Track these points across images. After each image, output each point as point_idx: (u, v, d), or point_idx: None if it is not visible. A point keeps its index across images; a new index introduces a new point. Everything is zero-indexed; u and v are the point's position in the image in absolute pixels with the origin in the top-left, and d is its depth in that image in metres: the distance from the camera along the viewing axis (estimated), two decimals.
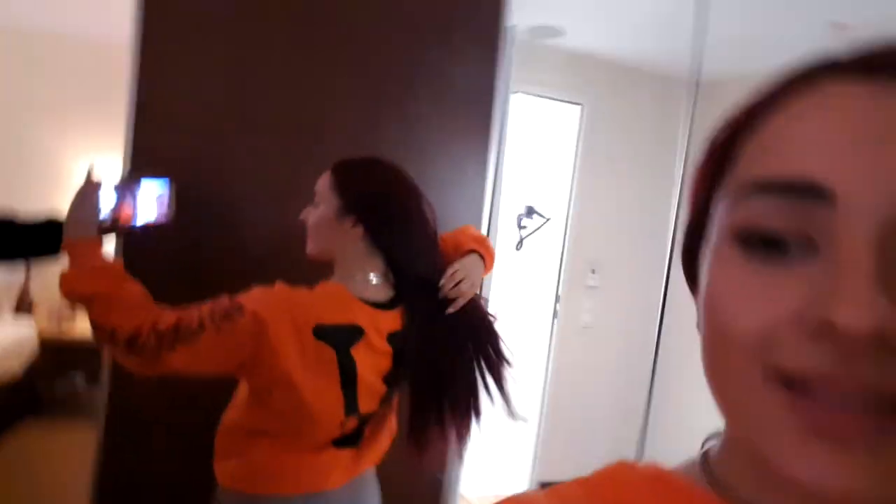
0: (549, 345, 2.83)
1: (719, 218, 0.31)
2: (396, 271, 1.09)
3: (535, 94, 2.63)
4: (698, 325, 0.32)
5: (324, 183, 1.07)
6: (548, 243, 2.91)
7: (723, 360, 0.30)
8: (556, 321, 2.80)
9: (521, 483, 2.86)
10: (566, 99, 2.80)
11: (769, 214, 0.28)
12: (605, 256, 2.89)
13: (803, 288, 0.26)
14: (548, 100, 2.75)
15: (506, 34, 1.94)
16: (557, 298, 2.78)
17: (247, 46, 1.41)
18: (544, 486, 0.50)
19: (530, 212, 3.29)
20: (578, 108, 2.81)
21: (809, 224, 0.27)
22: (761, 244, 0.28)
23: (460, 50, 1.65)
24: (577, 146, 2.83)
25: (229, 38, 1.38)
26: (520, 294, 2.91)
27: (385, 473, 1.22)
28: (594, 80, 2.82)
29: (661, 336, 2.03)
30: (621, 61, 2.84)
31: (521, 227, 3.21)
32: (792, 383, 0.26)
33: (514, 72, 2.04)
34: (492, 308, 1.19)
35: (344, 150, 1.16)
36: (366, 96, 1.56)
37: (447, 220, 1.36)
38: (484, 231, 1.91)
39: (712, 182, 0.33)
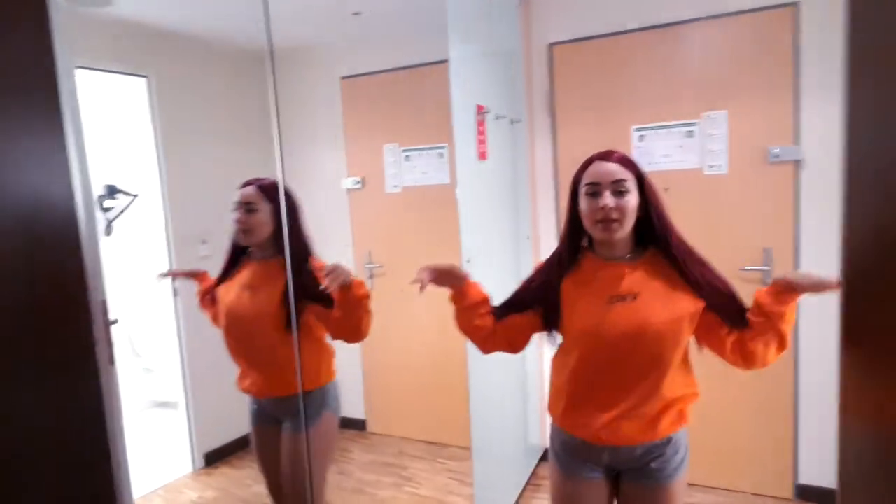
0: (177, 322, 2.80)
1: (581, 190, 1.50)
2: None
3: (96, 69, 2.44)
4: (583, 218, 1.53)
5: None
6: (147, 221, 2.82)
7: (582, 222, 1.52)
8: (177, 298, 2.77)
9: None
10: (129, 71, 2.68)
11: (592, 188, 1.48)
12: (214, 226, 2.96)
13: (599, 201, 1.46)
14: (110, 73, 2.58)
15: (51, 4, 1.78)
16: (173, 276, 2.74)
17: None
18: None
19: (112, 191, 3.06)
20: (144, 80, 2.74)
21: (597, 189, 1.46)
22: (593, 194, 1.47)
23: (9, 29, 1.47)
24: (152, 120, 2.77)
25: None
26: (130, 276, 2.77)
27: None
28: (157, 51, 2.76)
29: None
30: (184, 33, 2.85)
31: (104, 210, 2.98)
32: (601, 221, 1.46)
33: (71, 46, 1.89)
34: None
35: None
36: None
37: (40, 209, 1.31)
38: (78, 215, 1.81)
39: (577, 181, 1.53)
